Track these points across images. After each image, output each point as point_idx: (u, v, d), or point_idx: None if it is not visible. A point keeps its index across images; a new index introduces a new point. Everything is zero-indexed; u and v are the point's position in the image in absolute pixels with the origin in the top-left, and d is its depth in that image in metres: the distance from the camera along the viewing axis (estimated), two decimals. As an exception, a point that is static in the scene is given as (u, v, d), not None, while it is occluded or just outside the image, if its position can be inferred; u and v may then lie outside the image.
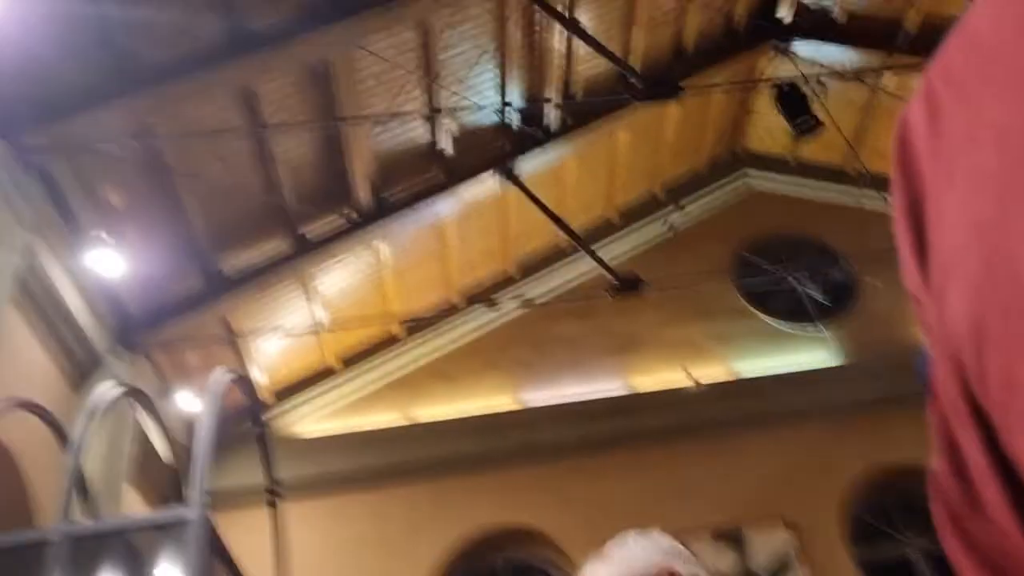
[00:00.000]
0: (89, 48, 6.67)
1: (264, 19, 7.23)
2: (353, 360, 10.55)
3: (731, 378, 10.45)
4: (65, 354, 7.50)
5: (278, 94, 7.77)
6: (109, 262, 7.08)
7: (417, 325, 10.66)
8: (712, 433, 9.55)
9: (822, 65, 10.33)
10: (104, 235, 7.05)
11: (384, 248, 9.59)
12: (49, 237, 6.93)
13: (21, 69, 6.35)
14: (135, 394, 6.51)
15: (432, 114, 8.57)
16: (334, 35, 7.48)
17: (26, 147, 6.57)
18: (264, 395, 9.69)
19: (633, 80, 8.69)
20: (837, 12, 10.50)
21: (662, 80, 9.01)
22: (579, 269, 11.12)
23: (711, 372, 10.37)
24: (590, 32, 8.87)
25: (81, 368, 7.71)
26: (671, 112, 10.64)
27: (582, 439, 9.59)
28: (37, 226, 6.73)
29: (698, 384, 10.15)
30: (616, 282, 10.09)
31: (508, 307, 10.89)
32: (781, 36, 10.69)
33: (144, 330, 8.20)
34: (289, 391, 10.29)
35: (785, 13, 10.71)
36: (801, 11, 10.68)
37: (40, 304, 7.08)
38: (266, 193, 8.28)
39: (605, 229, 11.67)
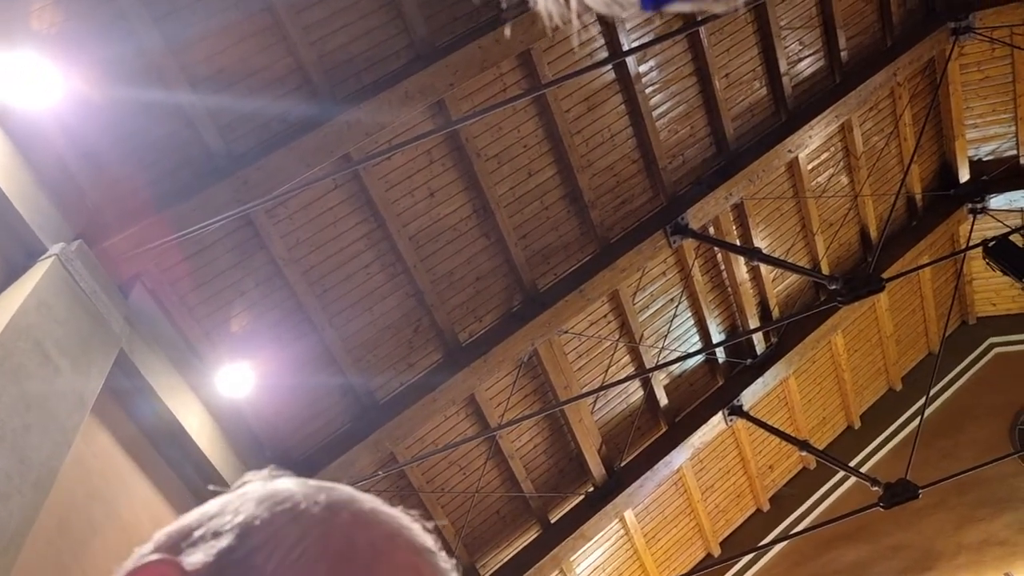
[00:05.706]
0: (332, 397, 7.46)
1: (468, 333, 7.85)
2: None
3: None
4: None
5: (499, 394, 8.23)
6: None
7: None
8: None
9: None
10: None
11: (630, 516, 9.39)
12: None
13: (275, 431, 7.19)
14: None
15: (644, 374, 8.69)
16: (535, 330, 7.94)
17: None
18: None
19: (833, 286, 8.52)
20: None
21: (860, 277, 8.77)
22: (837, 487, 10.32)
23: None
24: (772, 253, 8.93)
25: None
26: (881, 305, 10.26)
27: None
28: None
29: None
30: (882, 492, 9.17)
31: (773, 546, 10.12)
32: (972, 198, 10.30)
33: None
34: None
35: (965, 174, 10.40)
36: (981, 167, 10.34)
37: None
38: (508, 489, 8.50)
39: (851, 438, 10.91)
